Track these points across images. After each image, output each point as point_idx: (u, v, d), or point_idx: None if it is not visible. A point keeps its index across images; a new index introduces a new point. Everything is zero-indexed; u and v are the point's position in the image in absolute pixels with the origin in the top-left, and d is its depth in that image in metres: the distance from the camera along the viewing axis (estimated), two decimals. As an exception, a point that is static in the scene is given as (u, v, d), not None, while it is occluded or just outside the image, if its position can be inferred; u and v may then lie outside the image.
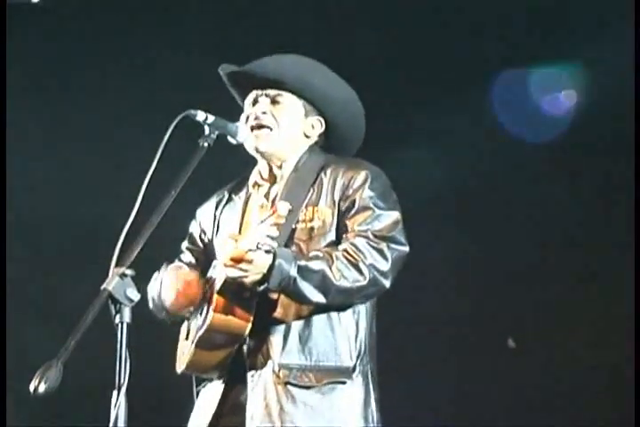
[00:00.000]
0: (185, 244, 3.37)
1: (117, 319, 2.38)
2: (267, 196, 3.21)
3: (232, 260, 2.84)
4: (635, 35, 4.66)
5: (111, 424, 2.33)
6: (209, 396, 3.10)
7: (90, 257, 3.86)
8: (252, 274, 2.86)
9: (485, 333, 4.95)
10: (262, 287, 2.90)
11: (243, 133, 2.94)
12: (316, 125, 3.28)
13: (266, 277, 2.87)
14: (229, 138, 2.91)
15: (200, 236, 3.34)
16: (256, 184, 3.27)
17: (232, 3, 5.18)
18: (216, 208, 3.32)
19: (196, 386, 3.18)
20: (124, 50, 5.16)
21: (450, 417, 4.89)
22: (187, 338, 3.11)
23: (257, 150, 3.20)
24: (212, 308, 2.95)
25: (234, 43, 4.96)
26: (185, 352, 3.07)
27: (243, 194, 3.28)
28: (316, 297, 2.94)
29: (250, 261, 2.83)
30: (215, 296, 2.95)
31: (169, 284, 3.10)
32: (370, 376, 3.07)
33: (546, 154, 4.95)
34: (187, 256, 3.33)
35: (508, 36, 4.92)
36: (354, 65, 3.77)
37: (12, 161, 5.03)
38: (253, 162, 3.29)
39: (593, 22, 4.84)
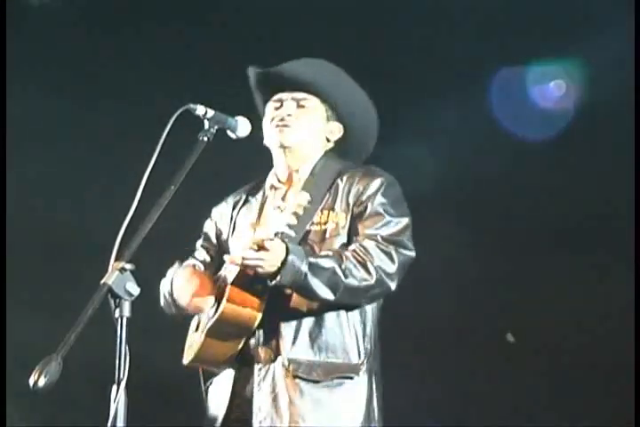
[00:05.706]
0: (200, 242, 3.42)
1: (117, 314, 2.39)
2: (284, 198, 3.25)
3: (250, 247, 2.89)
4: (635, 34, 4.67)
5: (110, 419, 2.34)
6: (219, 392, 3.13)
7: (89, 252, 3.85)
8: (268, 265, 2.91)
9: (485, 332, 4.94)
10: (274, 282, 2.94)
11: (242, 128, 2.95)
12: (334, 131, 3.35)
13: (279, 271, 2.91)
14: (229, 132, 2.93)
15: (216, 235, 3.39)
16: (273, 187, 3.32)
17: (232, 3, 5.20)
18: (233, 209, 3.38)
19: (204, 383, 3.21)
20: (123, 47, 5.17)
21: (450, 417, 4.89)
22: (197, 330, 3.15)
23: (281, 145, 3.25)
24: (225, 298, 2.99)
25: (234, 42, 4.96)
26: (194, 344, 3.11)
27: (259, 196, 3.34)
28: (325, 294, 2.99)
29: (267, 249, 2.88)
30: (229, 287, 3.00)
31: (182, 283, 3.15)
32: (374, 375, 3.13)
33: (545, 153, 4.95)
34: (201, 254, 3.38)
35: (508, 35, 4.93)
36: (352, 64, 3.77)
37: (12, 158, 5.04)
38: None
39: (593, 22, 4.84)
